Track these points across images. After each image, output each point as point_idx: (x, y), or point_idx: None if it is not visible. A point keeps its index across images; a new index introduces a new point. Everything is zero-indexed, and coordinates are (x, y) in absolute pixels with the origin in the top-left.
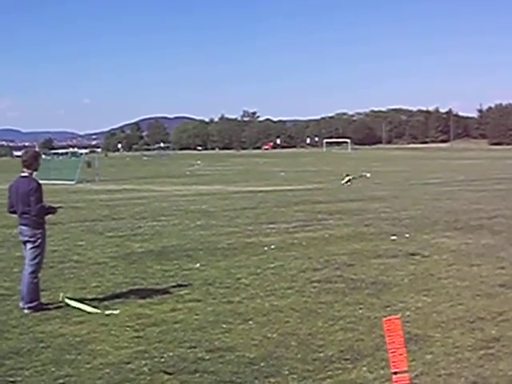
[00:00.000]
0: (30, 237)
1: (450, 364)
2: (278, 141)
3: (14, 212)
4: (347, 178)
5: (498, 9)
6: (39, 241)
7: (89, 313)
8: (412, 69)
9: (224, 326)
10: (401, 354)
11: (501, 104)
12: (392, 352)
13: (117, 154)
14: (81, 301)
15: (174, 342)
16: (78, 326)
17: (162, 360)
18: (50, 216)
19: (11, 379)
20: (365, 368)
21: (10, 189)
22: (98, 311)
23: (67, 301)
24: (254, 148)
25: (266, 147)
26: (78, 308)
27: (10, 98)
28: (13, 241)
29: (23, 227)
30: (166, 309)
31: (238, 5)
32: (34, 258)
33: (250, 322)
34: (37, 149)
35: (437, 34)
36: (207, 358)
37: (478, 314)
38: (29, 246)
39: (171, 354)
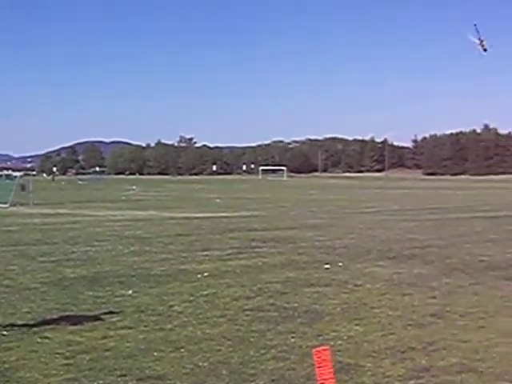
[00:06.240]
0: None
1: None
2: (214, 167)
3: None
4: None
5: (433, 38)
6: None
7: None
8: (348, 98)
9: (155, 353)
10: None
11: (435, 134)
12: (321, 383)
13: (62, 177)
14: None
15: (104, 369)
16: (7, 352)
17: None
18: None
19: None
20: None
21: None
22: None
23: None
24: (191, 174)
25: None
26: None
27: None
28: None
29: None
30: (97, 336)
31: (168, 35)
32: None
33: (182, 350)
34: None
35: (369, 66)
36: None
37: (408, 344)
38: None
39: (101, 382)
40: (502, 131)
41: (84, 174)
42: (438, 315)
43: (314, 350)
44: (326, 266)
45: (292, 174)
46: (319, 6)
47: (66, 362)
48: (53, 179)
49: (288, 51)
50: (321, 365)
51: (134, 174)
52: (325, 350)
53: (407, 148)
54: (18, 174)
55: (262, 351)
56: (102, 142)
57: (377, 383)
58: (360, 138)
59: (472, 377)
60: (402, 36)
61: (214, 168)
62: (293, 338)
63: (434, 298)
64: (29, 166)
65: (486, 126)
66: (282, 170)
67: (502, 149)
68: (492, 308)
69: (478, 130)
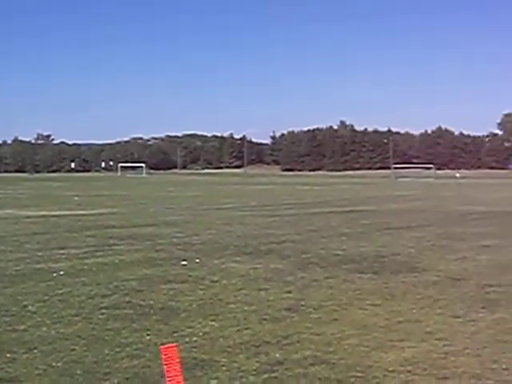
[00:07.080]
0: None
1: None
2: (73, 165)
3: None
4: None
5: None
6: None
7: None
8: (207, 95)
9: (8, 355)
10: (178, 382)
11: (293, 131)
12: (169, 380)
13: None
14: None
15: None
16: None
17: None
18: None
19: None
20: None
21: None
22: None
23: None
24: (49, 171)
25: None
26: None
27: None
28: None
29: None
30: None
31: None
32: None
33: (35, 351)
34: None
35: (226, 63)
36: None
37: (263, 338)
38: None
39: None
40: (358, 128)
41: None
42: (292, 309)
43: (160, 348)
44: (183, 263)
45: (151, 171)
46: None
47: None
48: None
49: (144, 52)
50: (168, 362)
51: None
52: (172, 347)
53: (266, 144)
54: None
55: (117, 349)
56: None
57: (231, 378)
58: (219, 134)
59: (324, 369)
60: (256, 37)
61: (73, 165)
62: (148, 335)
63: (289, 292)
64: None
65: (343, 123)
66: (142, 166)
67: (358, 145)
68: (345, 301)
69: (335, 127)
